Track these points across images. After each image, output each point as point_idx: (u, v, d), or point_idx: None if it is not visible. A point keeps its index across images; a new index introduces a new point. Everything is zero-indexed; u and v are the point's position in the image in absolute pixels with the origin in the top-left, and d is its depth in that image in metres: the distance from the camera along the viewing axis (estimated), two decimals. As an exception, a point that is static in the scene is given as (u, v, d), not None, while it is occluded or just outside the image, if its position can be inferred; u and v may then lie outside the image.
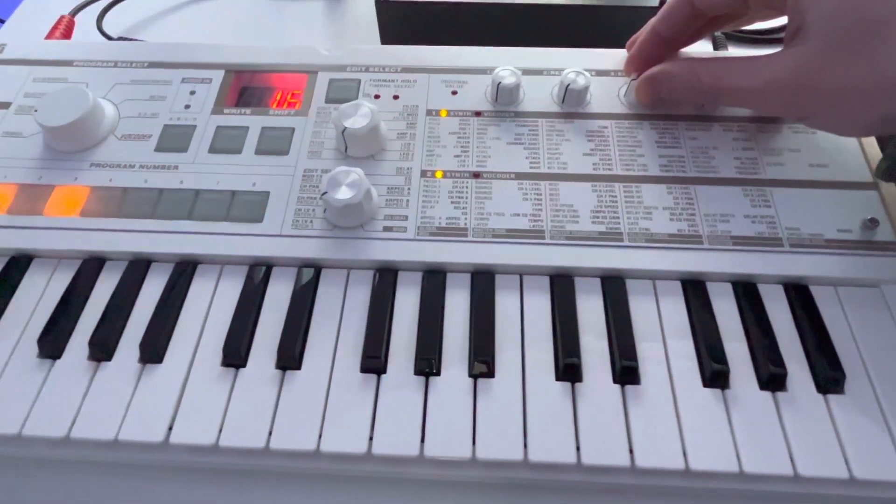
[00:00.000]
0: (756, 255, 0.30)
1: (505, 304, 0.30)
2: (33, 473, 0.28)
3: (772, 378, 0.27)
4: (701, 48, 0.47)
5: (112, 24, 0.51)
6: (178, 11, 0.55)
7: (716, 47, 0.44)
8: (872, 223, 0.31)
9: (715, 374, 0.27)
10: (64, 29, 0.46)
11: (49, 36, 0.45)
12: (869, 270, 0.30)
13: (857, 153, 0.34)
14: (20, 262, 0.32)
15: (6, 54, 0.40)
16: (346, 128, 0.33)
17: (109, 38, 0.49)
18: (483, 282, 0.30)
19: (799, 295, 0.30)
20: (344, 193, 0.30)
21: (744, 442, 0.26)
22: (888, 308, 0.29)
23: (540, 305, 0.30)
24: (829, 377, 0.27)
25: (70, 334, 0.29)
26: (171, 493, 0.28)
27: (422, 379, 0.28)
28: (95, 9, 0.51)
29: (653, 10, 0.44)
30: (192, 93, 0.37)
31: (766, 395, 0.27)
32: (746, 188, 0.32)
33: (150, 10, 0.54)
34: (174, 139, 0.35)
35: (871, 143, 0.34)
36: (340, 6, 0.55)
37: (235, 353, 0.28)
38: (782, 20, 0.43)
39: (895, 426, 0.26)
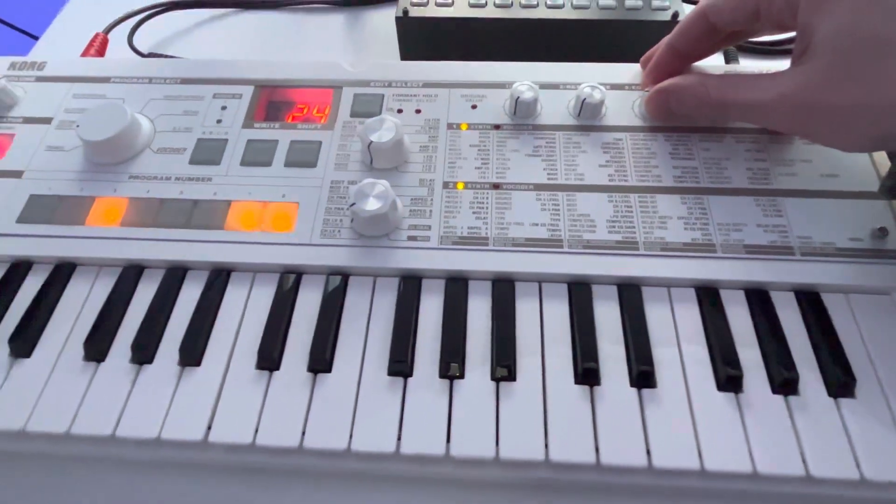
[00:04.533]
0: (768, 263, 0.31)
1: (525, 310, 0.31)
2: (78, 471, 0.30)
3: (784, 382, 0.28)
4: (713, 59, 0.49)
5: (141, 39, 0.53)
6: (203, 26, 0.57)
7: (727, 59, 0.46)
8: (882, 232, 0.32)
9: (728, 379, 0.28)
10: (99, 46, 0.48)
11: (85, 53, 0.48)
12: (879, 278, 0.31)
13: (867, 164, 0.35)
14: (64, 270, 0.34)
15: (47, 71, 0.42)
16: (371, 141, 0.34)
17: (140, 53, 0.52)
18: (503, 289, 0.32)
19: (810, 302, 0.31)
20: (371, 204, 0.31)
21: (757, 443, 0.27)
22: (898, 315, 0.30)
23: (559, 312, 0.31)
24: (840, 382, 0.28)
25: (113, 338, 0.31)
26: (209, 492, 0.29)
27: (446, 382, 0.29)
28: (126, 25, 0.53)
29: (665, 25, 0.45)
30: (224, 108, 0.39)
31: (779, 398, 0.28)
32: (758, 198, 0.34)
33: (177, 25, 0.56)
34: (207, 152, 0.37)
35: (881, 153, 0.35)
36: (360, 19, 0.57)
37: (269, 357, 0.30)
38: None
39: (905, 430, 0.27)
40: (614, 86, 0.39)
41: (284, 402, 0.29)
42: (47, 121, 0.39)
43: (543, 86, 0.38)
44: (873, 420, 0.27)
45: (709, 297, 0.31)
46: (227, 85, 0.40)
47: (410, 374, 0.29)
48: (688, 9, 0.52)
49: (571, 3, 0.46)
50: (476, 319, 0.31)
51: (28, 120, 0.39)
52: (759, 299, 0.31)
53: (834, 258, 0.31)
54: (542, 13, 0.46)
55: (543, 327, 0.31)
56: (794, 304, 0.31)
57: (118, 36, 0.52)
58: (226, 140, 0.37)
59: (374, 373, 0.29)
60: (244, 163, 0.36)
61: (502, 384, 0.29)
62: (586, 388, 0.29)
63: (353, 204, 0.32)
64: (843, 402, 0.28)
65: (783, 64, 0.31)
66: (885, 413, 0.27)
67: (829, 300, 0.31)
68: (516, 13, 0.46)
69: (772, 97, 0.29)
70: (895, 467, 0.26)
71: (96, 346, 0.30)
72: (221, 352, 0.30)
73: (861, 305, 0.31)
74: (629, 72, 0.39)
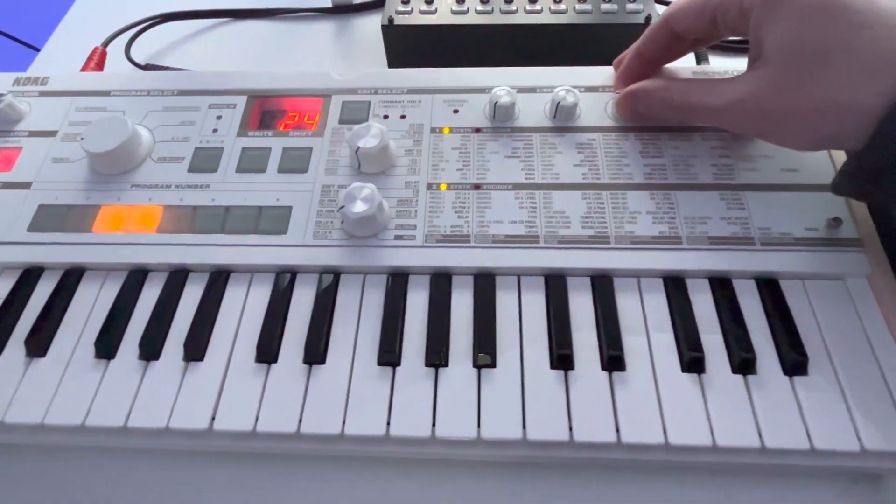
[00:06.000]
0: (731, 253, 0.34)
1: (505, 302, 0.33)
2: (92, 460, 0.32)
3: (743, 363, 0.30)
4: (685, 59, 0.51)
5: (138, 51, 0.56)
6: (198, 37, 0.59)
7: (698, 59, 0.48)
8: (836, 222, 0.34)
9: (692, 361, 0.30)
10: (98, 59, 0.50)
11: (85, 67, 0.50)
12: (833, 265, 0.33)
13: (824, 158, 0.37)
14: (74, 275, 0.36)
15: (50, 86, 0.44)
16: (359, 147, 0.36)
17: (137, 65, 0.54)
18: (485, 283, 0.34)
19: (769, 289, 0.33)
20: (359, 207, 0.34)
21: (717, 419, 0.29)
22: (850, 299, 0.32)
23: (536, 303, 0.33)
24: (794, 361, 0.30)
25: (121, 337, 0.33)
26: (216, 474, 0.31)
27: (432, 370, 0.31)
28: (124, 37, 0.55)
29: (640, 27, 0.47)
30: (219, 118, 0.41)
31: (738, 378, 0.30)
32: (723, 192, 0.36)
33: (173, 36, 0.58)
34: (205, 160, 0.39)
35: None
36: (349, 27, 0.59)
37: (268, 350, 0.32)
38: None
39: (853, 403, 0.29)
40: (588, 88, 0.41)
41: (282, 392, 0.31)
42: (52, 134, 0.41)
43: (521, 90, 0.41)
44: (824, 395, 0.29)
45: (675, 286, 0.33)
46: (222, 95, 0.42)
47: (399, 364, 0.32)
48: (662, 10, 0.54)
49: (549, 8, 0.49)
50: (459, 312, 0.33)
51: (34, 133, 0.41)
52: (721, 287, 0.33)
53: (791, 247, 0.34)
54: (521, 18, 0.48)
55: (522, 318, 0.33)
56: (754, 291, 0.33)
57: (116, 48, 0.54)
58: (222, 148, 0.40)
59: (365, 363, 0.32)
60: (240, 170, 0.39)
61: (483, 371, 0.31)
62: (561, 372, 0.31)
63: (343, 207, 0.34)
64: (797, 379, 0.30)
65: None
66: (835, 389, 0.30)
67: (786, 286, 0.33)
68: (497, 19, 0.48)
69: (727, 101, 0.31)
70: (843, 438, 0.28)
71: (106, 345, 0.33)
72: (223, 347, 0.33)
73: (816, 291, 0.33)
74: (602, 74, 0.41)
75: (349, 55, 0.56)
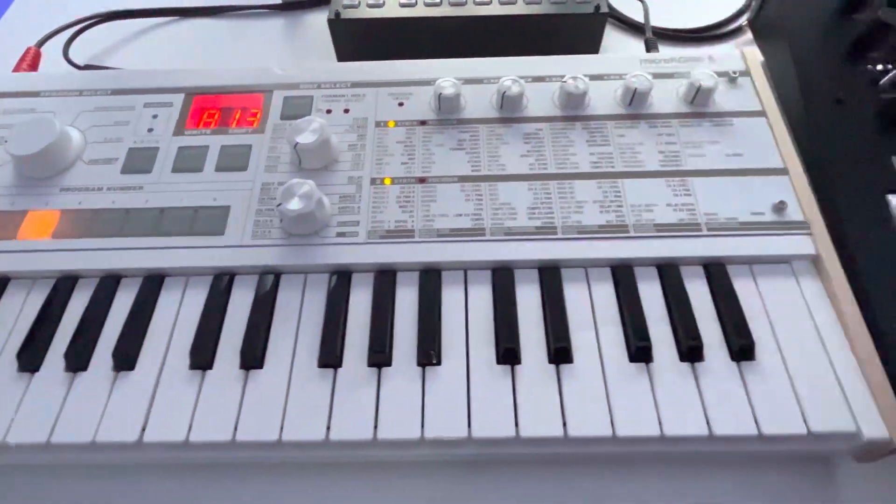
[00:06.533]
0: (677, 240, 0.33)
1: (450, 297, 0.32)
2: (15, 479, 0.30)
3: (690, 350, 0.30)
4: (634, 49, 0.51)
5: (81, 51, 0.53)
6: (144, 36, 0.57)
7: (647, 46, 0.47)
8: (782, 205, 0.34)
9: (639, 350, 0.30)
10: (31, 60, 0.48)
11: (17, 68, 0.47)
12: (779, 248, 0.33)
13: (769, 142, 0.37)
14: (-3, 284, 0.34)
15: (-25, 88, 0.42)
16: (297, 143, 0.35)
17: (77, 66, 0.51)
18: (430, 278, 0.33)
19: (716, 274, 0.33)
20: (296, 204, 0.32)
21: (665, 408, 0.28)
22: (796, 281, 0.32)
23: (483, 297, 0.32)
24: (740, 346, 0.30)
25: (47, 348, 0.31)
26: (147, 490, 0.30)
27: (375, 371, 0.30)
28: (63, 38, 0.53)
29: (589, 17, 0.47)
30: (155, 116, 0.39)
31: (686, 365, 0.30)
32: (669, 179, 0.35)
33: (117, 36, 0.56)
34: (139, 161, 0.37)
35: (783, 133, 0.37)
36: (299, 22, 0.57)
37: (202, 357, 0.30)
38: (711, 19, 0.46)
39: (799, 386, 0.29)
40: (535, 78, 0.40)
41: (218, 400, 0.29)
42: (-24, 137, 0.39)
43: (468, 81, 0.40)
44: (771, 380, 0.29)
45: (623, 275, 0.33)
46: (158, 94, 0.41)
47: (340, 366, 0.30)
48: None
49: (499, 0, 0.48)
50: (403, 309, 0.32)
51: (-44, 137, 0.39)
52: (669, 274, 0.33)
53: (738, 232, 0.33)
54: (470, 10, 0.47)
55: (468, 313, 0.32)
56: (702, 277, 0.33)
57: (55, 48, 0.52)
58: (157, 148, 0.38)
59: (305, 366, 0.30)
60: (175, 169, 0.37)
61: (428, 369, 0.30)
62: (508, 367, 0.30)
63: (280, 204, 0.33)
64: (745, 364, 0.30)
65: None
66: (782, 372, 0.29)
67: (733, 271, 0.33)
68: (446, 11, 0.47)
69: None
70: (790, 422, 0.28)
71: (30, 357, 0.31)
72: (156, 355, 0.31)
73: (763, 274, 0.33)
74: (549, 64, 0.41)
75: (299, 52, 0.55)
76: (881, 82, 0.39)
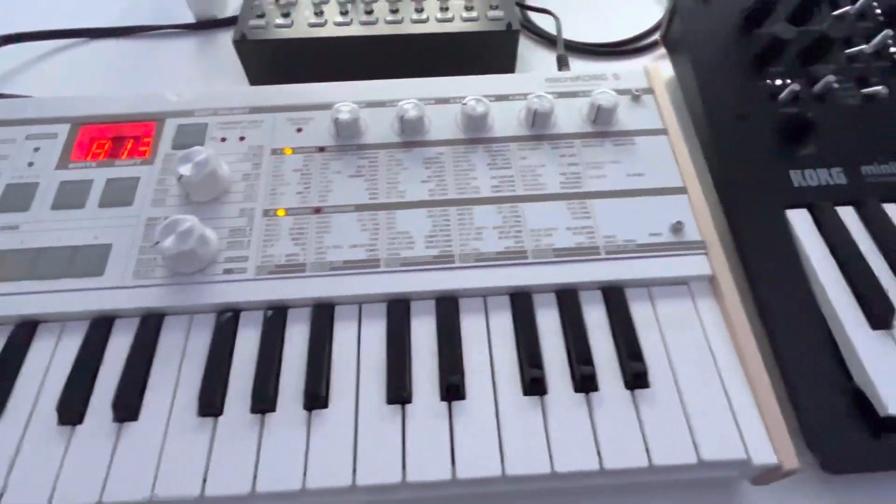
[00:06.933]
0: (576, 265, 0.33)
1: (342, 334, 0.31)
2: None
3: (584, 380, 0.29)
4: (546, 67, 0.50)
5: (-27, 77, 0.50)
6: (48, 59, 0.54)
7: (559, 63, 0.47)
8: (679, 225, 0.34)
9: (532, 381, 0.29)
10: (-88, 89, 0.45)
11: None
12: (677, 269, 0.33)
13: (670, 161, 0.37)
14: None
15: None
16: (182, 175, 0.33)
17: (-32, 93, 0.49)
18: (321, 314, 0.32)
19: (613, 298, 0.32)
20: (173, 242, 0.31)
21: (557, 443, 0.28)
22: (693, 302, 0.32)
23: (375, 332, 0.31)
24: (633, 373, 0.29)
25: None
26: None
27: (258, 417, 0.29)
28: (-47, 64, 0.50)
29: (502, 35, 0.46)
30: (36, 149, 0.37)
31: (581, 396, 0.29)
32: (570, 202, 0.35)
33: (18, 60, 0.53)
34: (15, 199, 0.35)
35: (683, 152, 0.37)
36: (212, 42, 0.55)
37: (69, 411, 0.28)
38: (625, 34, 0.46)
39: (692, 413, 0.28)
40: (439, 100, 0.39)
41: (87, 457, 0.28)
42: None
43: (369, 104, 0.39)
44: (664, 408, 0.29)
45: (521, 303, 0.32)
46: (42, 125, 0.38)
47: (220, 414, 0.29)
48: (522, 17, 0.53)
49: (411, 18, 0.47)
50: (293, 349, 0.31)
51: None
52: (567, 301, 0.32)
53: (636, 254, 0.33)
54: (382, 29, 0.46)
55: (360, 349, 0.31)
56: (601, 302, 0.32)
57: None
58: (37, 184, 0.36)
59: (184, 417, 0.29)
60: (55, 206, 0.35)
61: (314, 413, 0.29)
62: (397, 406, 0.29)
63: (157, 243, 0.31)
64: (639, 392, 0.29)
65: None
66: (675, 400, 0.29)
67: (632, 294, 0.32)
68: (357, 30, 0.46)
69: None
70: (681, 451, 0.27)
71: None
72: (22, 410, 0.29)
73: (661, 297, 0.32)
74: (453, 85, 0.40)
75: (212, 74, 0.53)
76: (780, 97, 0.40)
